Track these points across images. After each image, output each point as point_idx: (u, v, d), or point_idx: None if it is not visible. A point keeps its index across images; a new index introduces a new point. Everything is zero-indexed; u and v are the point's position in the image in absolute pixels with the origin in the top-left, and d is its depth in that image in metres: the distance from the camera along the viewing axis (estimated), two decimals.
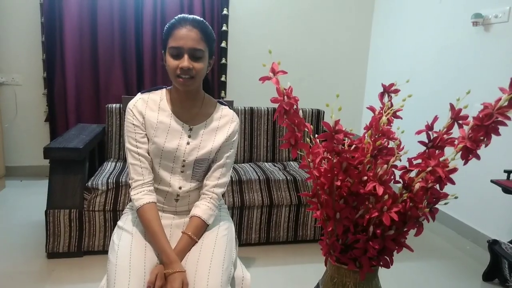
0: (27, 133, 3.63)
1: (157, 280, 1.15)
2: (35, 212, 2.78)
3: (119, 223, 1.36)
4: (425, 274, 2.33)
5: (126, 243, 1.23)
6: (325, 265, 0.82)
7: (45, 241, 2.23)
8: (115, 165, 2.60)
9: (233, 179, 2.49)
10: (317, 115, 3.12)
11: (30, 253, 2.29)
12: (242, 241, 2.49)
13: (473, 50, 2.79)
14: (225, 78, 3.84)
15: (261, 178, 2.53)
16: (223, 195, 1.39)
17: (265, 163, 2.92)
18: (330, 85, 4.12)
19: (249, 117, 2.96)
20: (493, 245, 2.15)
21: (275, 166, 2.85)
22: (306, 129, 0.78)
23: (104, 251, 2.27)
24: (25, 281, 2.04)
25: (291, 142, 0.77)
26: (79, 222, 2.23)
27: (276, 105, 0.76)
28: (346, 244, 0.78)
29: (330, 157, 0.74)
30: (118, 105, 2.76)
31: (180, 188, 1.35)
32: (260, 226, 2.50)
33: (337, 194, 0.76)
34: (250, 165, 2.85)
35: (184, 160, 1.33)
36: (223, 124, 1.37)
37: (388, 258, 0.75)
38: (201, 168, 1.36)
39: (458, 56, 2.93)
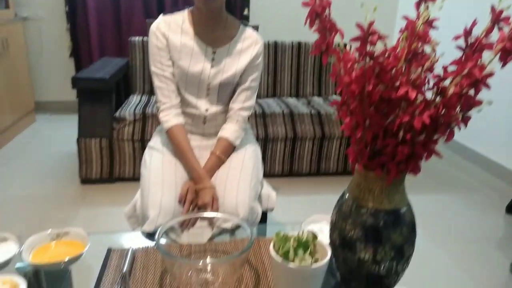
0: (53, 68, 3.69)
1: (188, 194, 1.21)
2: (66, 143, 2.90)
3: (150, 143, 1.40)
4: (447, 206, 2.36)
5: (157, 160, 1.29)
6: (352, 172, 0.84)
7: (78, 168, 2.35)
8: (141, 98, 2.64)
9: (257, 112, 2.50)
10: None
11: (64, 180, 2.43)
12: (265, 172, 2.55)
13: None
14: (248, 11, 3.72)
15: (284, 111, 2.53)
16: (248, 119, 1.40)
17: (289, 98, 2.91)
18: None
19: (272, 52, 2.90)
20: None
21: (299, 101, 2.84)
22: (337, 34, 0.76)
23: (134, 178, 2.38)
24: (62, 204, 2.18)
25: (322, 48, 0.76)
26: (109, 150, 2.32)
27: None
28: (374, 150, 0.79)
29: (362, 61, 0.73)
30: (140, 38, 2.74)
31: (206, 110, 1.36)
32: (283, 158, 2.54)
33: (368, 101, 0.76)
34: (273, 100, 2.84)
35: (208, 84, 1.33)
36: (247, 46, 1.35)
37: (416, 163, 0.76)
38: (226, 92, 1.37)
39: None
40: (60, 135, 3.16)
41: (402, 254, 0.81)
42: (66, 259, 0.90)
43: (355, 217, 0.81)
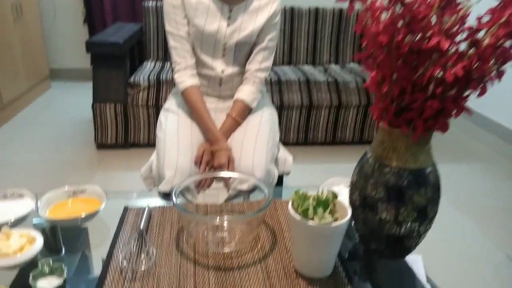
0: (67, 35, 3.66)
1: (204, 155, 1.19)
2: (81, 110, 2.90)
3: (165, 105, 1.38)
4: (466, 176, 2.31)
5: (173, 122, 1.27)
6: (376, 129, 0.80)
7: (94, 133, 2.36)
8: (155, 65, 2.61)
9: (272, 80, 2.45)
10: None
11: (80, 145, 2.44)
12: (280, 140, 2.53)
13: None
14: None
15: (301, 79, 2.48)
16: (265, 81, 1.36)
17: (305, 66, 2.84)
18: None
19: (289, 17, 2.81)
20: None
21: (315, 68, 2.77)
22: None
23: (149, 144, 2.39)
24: (78, 168, 2.21)
25: None
26: (124, 116, 2.31)
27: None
28: (400, 106, 0.75)
29: (392, 8, 0.68)
30: (154, 2, 2.68)
31: (222, 71, 1.33)
32: (298, 127, 2.50)
33: (396, 52, 0.71)
34: (289, 67, 2.78)
35: (225, 44, 1.29)
36: (265, 4, 1.29)
37: (445, 120, 0.72)
38: (242, 52, 1.32)
39: None
40: (75, 101, 3.17)
41: (425, 215, 0.78)
42: (83, 216, 0.90)
43: (377, 176, 0.78)
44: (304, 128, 2.51)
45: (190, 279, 0.77)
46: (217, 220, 0.93)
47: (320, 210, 0.75)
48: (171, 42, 1.30)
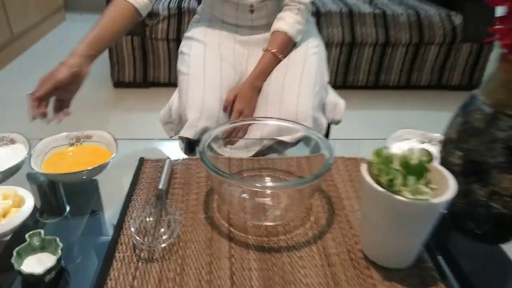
0: None
1: (237, 102, 0.96)
2: None
3: (187, 33, 1.13)
4: None
5: (199, 52, 1.02)
6: (504, 60, 0.55)
7: (110, 70, 2.14)
8: None
9: None
10: None
11: (96, 83, 2.24)
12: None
13: None
14: None
15: (343, 10, 2.14)
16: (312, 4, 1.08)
17: None
18: None
19: None
20: None
21: None
22: None
23: (170, 84, 2.16)
24: (94, 107, 2.02)
25: None
26: (142, 50, 2.07)
27: None
28: None
29: None
30: None
31: None
32: (337, 67, 2.21)
33: None
34: None
35: None
36: None
37: None
38: None
39: None
40: None
41: None
42: (87, 170, 0.70)
43: (494, 131, 0.54)
44: (344, 68, 2.21)
45: (224, 263, 0.58)
46: (259, 186, 0.71)
47: (411, 179, 0.52)
48: None
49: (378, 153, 0.53)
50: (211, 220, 0.66)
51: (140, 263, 0.57)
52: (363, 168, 0.55)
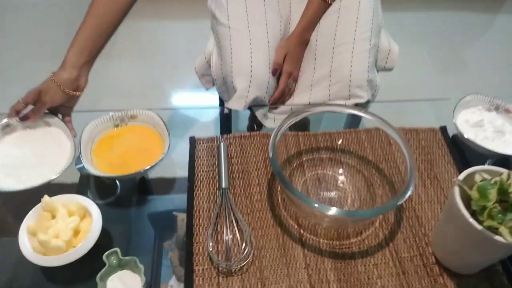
0: None
1: (286, 63, 0.85)
2: None
3: None
4: None
5: (239, 4, 0.87)
6: None
7: None
8: None
9: None
10: None
11: None
12: None
13: None
14: None
15: None
16: None
17: None
18: None
19: None
20: None
21: None
22: None
23: None
24: None
25: None
26: None
27: None
28: None
29: None
30: None
31: None
32: None
33: None
34: None
35: None
36: None
37: None
38: None
39: None
40: None
41: None
42: (145, 169, 0.66)
43: None
44: None
45: (302, 276, 0.59)
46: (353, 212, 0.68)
47: (510, 216, 0.49)
48: None
49: (481, 192, 0.49)
50: (279, 220, 0.65)
51: (220, 278, 0.58)
52: (456, 194, 0.52)
